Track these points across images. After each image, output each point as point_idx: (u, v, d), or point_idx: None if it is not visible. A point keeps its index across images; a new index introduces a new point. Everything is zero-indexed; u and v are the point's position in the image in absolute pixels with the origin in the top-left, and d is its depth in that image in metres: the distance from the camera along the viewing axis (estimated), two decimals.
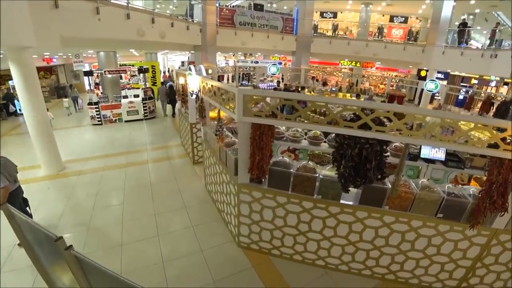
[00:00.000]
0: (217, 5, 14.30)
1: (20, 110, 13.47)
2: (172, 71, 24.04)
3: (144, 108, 12.29)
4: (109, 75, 11.88)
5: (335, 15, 21.76)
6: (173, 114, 13.38)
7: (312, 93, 13.80)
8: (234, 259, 4.19)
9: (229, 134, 4.81)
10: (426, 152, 4.82)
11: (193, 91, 5.40)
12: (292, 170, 3.56)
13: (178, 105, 9.07)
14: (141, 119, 12.38)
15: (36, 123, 6.86)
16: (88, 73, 12.19)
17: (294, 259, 4.09)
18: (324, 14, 21.74)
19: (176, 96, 10.96)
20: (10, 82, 14.91)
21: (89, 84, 17.36)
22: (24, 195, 4.68)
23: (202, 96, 5.09)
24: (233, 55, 24.43)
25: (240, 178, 3.76)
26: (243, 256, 4.23)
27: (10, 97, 13.93)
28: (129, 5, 9.30)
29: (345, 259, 3.83)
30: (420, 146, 4.78)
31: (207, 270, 3.96)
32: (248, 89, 3.69)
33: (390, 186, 3.32)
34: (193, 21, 13.18)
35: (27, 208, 4.72)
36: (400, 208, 3.37)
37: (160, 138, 10.13)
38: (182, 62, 22.47)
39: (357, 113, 2.90)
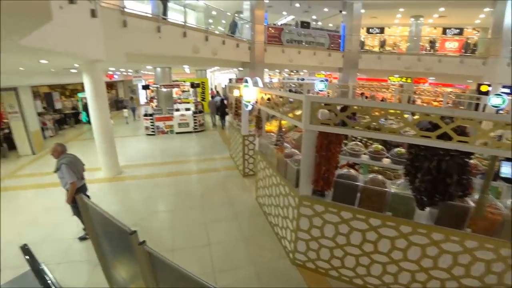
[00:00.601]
0: (265, 23, 14.69)
1: (84, 119, 15.15)
2: (216, 87, 25.19)
3: (195, 121, 12.79)
4: (164, 89, 12.63)
5: (382, 30, 21.13)
6: (223, 126, 14.01)
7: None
8: (288, 276, 3.96)
9: (288, 145, 4.69)
10: (508, 171, 4.24)
11: (249, 102, 5.42)
12: (360, 183, 3.32)
13: (229, 118, 9.29)
14: (191, 132, 12.89)
15: (101, 130, 7.46)
16: (145, 87, 13.14)
17: (354, 283, 3.74)
18: (370, 29, 21.23)
19: (227, 109, 11.24)
20: (79, 94, 16.64)
21: (146, 97, 18.64)
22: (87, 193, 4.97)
23: (259, 107, 5.08)
24: (279, 73, 24.69)
25: (301, 190, 3.60)
26: (298, 274, 3.99)
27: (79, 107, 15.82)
28: (186, 24, 9.99)
29: (414, 286, 3.42)
30: (500, 163, 4.22)
31: (258, 285, 3.79)
32: (316, 96, 3.56)
33: (473, 205, 2.93)
34: (239, 37, 13.59)
35: None
36: (486, 231, 2.94)
37: (209, 150, 10.36)
38: (230, 79, 23.31)
39: (434, 122, 2.62)
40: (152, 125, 12.43)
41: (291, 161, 3.95)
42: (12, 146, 10.77)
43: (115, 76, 21.27)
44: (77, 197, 2.75)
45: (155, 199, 6.39)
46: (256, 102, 5.16)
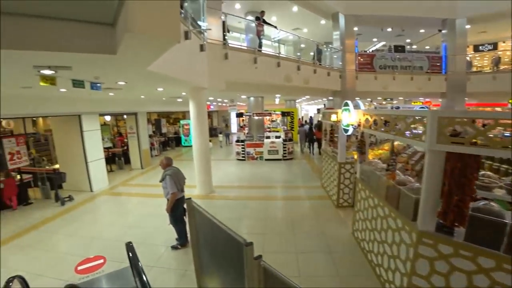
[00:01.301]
0: (356, 51, 14.27)
1: (183, 142, 17.22)
2: (302, 117, 25.42)
3: (284, 149, 12.86)
4: (256, 117, 13.18)
5: (495, 46, 17.96)
6: (310, 152, 14.47)
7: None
8: None
9: (399, 172, 4.07)
10: None
11: (350, 126, 5.08)
12: (508, 222, 2.55)
13: (320, 144, 9.00)
14: (280, 159, 12.95)
15: (200, 151, 8.09)
16: (239, 115, 14.00)
17: None
18: (481, 47, 18.33)
19: (318, 136, 11.00)
20: (181, 121, 19.17)
21: (238, 125, 20.04)
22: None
23: (363, 130, 4.67)
24: (370, 101, 23.38)
25: (421, 224, 2.96)
26: None
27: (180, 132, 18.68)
28: (280, 55, 10.45)
29: None
30: None
31: None
32: (445, 110, 3.02)
33: None
34: (328, 66, 13.45)
35: (184, 217, 5.20)
36: None
37: (298, 177, 10.16)
38: (318, 109, 23.31)
39: None
40: (243, 151, 13.01)
41: (407, 189, 3.36)
42: (127, 161, 13.02)
43: (211, 106, 23.48)
44: (186, 201, 2.84)
45: (245, 220, 6.42)
46: (359, 125, 4.77)
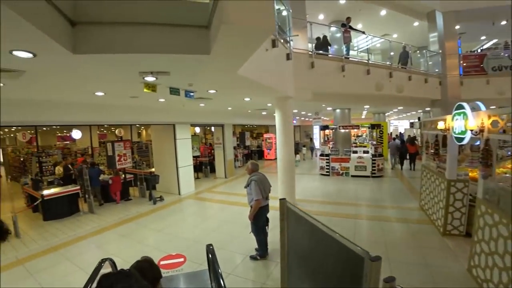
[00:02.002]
0: (459, 52, 12.23)
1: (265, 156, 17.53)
2: (391, 133, 23.28)
3: (373, 165, 11.63)
4: (342, 130, 12.40)
5: None
6: (401, 168, 13.60)
7: None
8: None
9: None
10: None
11: (468, 132, 4.15)
12: None
13: (422, 159, 7.69)
14: (368, 176, 11.76)
15: (285, 162, 7.84)
16: (324, 127, 13.38)
17: None
18: None
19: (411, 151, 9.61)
20: (265, 135, 19.81)
21: (321, 139, 19.54)
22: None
23: (489, 136, 3.71)
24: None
25: None
26: None
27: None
28: (369, 61, 9.78)
29: None
30: None
31: None
32: None
33: None
34: (426, 71, 11.82)
35: (266, 226, 4.95)
36: None
37: (390, 197, 8.95)
38: (411, 123, 20.98)
39: None
40: (327, 166, 12.29)
41: None
42: (212, 170, 13.84)
43: (294, 121, 23.38)
44: (280, 202, 2.53)
45: None
46: (481, 130, 3.81)
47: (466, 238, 5.23)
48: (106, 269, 2.64)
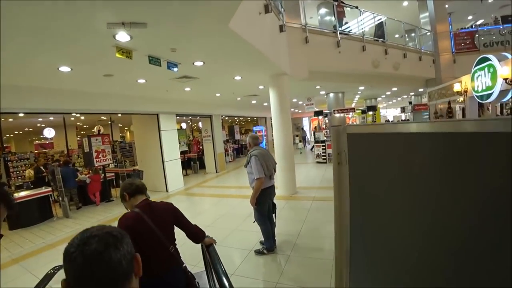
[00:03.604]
0: (450, 29, 11.91)
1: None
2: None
3: None
4: (337, 115, 11.77)
5: None
6: None
7: None
8: None
9: None
10: None
11: (496, 85, 3.53)
12: None
13: None
14: None
15: (283, 147, 7.09)
16: (318, 113, 12.67)
17: None
18: None
19: None
20: (253, 127, 18.80)
21: (316, 126, 19.30)
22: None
23: None
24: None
25: None
26: None
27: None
28: (364, 37, 9.23)
29: None
30: None
31: None
32: None
33: None
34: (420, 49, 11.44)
35: (273, 215, 4.21)
36: None
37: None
38: (402, 108, 20.90)
39: None
40: (323, 153, 11.61)
41: None
42: (202, 166, 12.97)
43: None
44: (333, 129, 1.72)
45: None
46: None
47: None
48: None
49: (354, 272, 1.29)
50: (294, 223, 5.14)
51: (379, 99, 18.83)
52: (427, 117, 17.97)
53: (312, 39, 7.79)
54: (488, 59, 4.05)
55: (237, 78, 7.07)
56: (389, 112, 30.24)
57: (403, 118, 20.31)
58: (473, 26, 13.77)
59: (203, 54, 4.85)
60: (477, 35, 11.92)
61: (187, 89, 7.79)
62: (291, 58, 7.28)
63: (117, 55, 3.93)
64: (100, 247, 0.71)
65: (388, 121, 16.03)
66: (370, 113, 13.87)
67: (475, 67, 4.28)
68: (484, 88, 4.16)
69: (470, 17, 15.00)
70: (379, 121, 15.66)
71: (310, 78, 8.36)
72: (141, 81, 6.24)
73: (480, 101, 4.31)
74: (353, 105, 21.36)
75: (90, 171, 8.47)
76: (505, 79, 3.61)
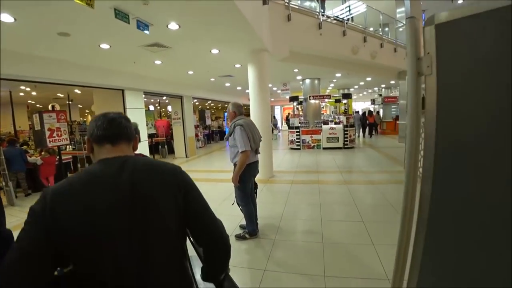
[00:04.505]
0: (423, 24, 12.16)
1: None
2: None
3: (345, 136, 11.05)
4: (312, 101, 11.58)
5: None
6: (364, 135, 16.51)
7: None
8: None
9: None
10: None
11: None
12: None
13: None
14: (340, 148, 11.18)
15: (260, 126, 6.60)
16: (293, 98, 12.35)
17: None
18: None
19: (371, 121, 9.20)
20: (225, 114, 18.03)
21: (288, 113, 19.11)
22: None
23: None
24: None
25: None
26: None
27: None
28: (346, 22, 9.09)
29: None
30: None
31: None
32: None
33: None
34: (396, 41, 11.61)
35: (255, 193, 3.79)
36: None
37: (372, 163, 8.40)
38: (372, 100, 21.54)
39: None
40: (297, 139, 11.40)
41: None
42: (170, 151, 12.25)
43: None
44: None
45: (328, 206, 4.75)
46: None
47: None
48: None
49: (425, 275, 0.89)
50: (275, 206, 4.79)
51: (352, 89, 19.08)
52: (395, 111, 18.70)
53: (295, 18, 7.43)
54: None
55: (214, 51, 6.47)
56: (357, 105, 31.01)
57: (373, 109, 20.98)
58: None
59: (180, 13, 4.21)
60: None
61: (158, 62, 7.05)
62: (272, 35, 6.88)
63: (76, 0, 3.21)
64: (115, 115, 1.11)
65: (357, 112, 16.69)
66: (345, 101, 13.88)
67: None
68: None
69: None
70: (351, 112, 15.89)
71: (290, 59, 8.07)
72: (105, 46, 5.41)
73: None
74: (328, 91, 21.60)
75: (43, 153, 7.46)
76: None
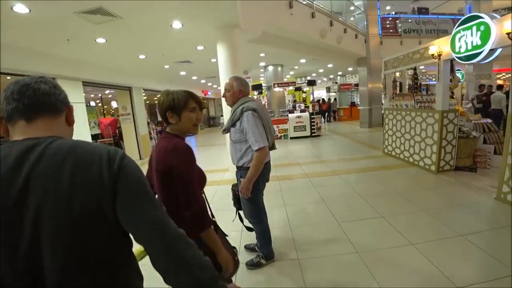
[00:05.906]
0: (378, 13, 12.46)
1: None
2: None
3: (312, 124, 10.57)
4: (276, 89, 10.88)
5: None
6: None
7: None
8: None
9: None
10: None
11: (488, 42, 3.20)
12: None
13: (386, 101, 6.88)
14: (308, 136, 10.69)
15: None
16: (257, 87, 11.45)
17: None
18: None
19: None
20: None
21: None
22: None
23: None
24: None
25: None
26: None
27: None
28: (314, 5, 8.62)
29: None
30: None
31: None
32: None
33: None
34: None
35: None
36: None
37: (347, 150, 8.01)
38: (328, 88, 21.87)
39: None
40: None
41: None
42: None
43: (209, 93, 21.05)
44: None
45: (325, 203, 4.04)
46: None
47: (462, 172, 4.90)
48: None
49: None
50: (273, 210, 3.89)
51: (308, 78, 18.93)
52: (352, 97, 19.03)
53: None
54: (479, 17, 3.80)
55: (176, 25, 5.25)
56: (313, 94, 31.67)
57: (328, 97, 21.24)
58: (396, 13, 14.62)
59: None
60: (398, 22, 12.81)
61: (101, 40, 5.59)
62: (243, 8, 5.88)
63: None
64: (31, 80, 0.75)
65: (318, 101, 16.79)
66: (306, 89, 13.50)
67: (458, 27, 4.03)
68: (469, 48, 3.98)
69: (388, 7, 15.95)
70: (308, 101, 15.68)
71: (260, 40, 7.23)
72: (23, 10, 3.83)
73: (461, 61, 4.40)
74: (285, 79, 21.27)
75: None
76: (508, 34, 3.37)
